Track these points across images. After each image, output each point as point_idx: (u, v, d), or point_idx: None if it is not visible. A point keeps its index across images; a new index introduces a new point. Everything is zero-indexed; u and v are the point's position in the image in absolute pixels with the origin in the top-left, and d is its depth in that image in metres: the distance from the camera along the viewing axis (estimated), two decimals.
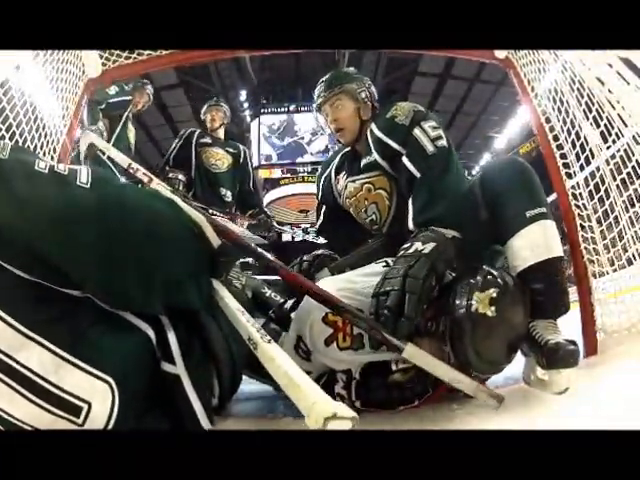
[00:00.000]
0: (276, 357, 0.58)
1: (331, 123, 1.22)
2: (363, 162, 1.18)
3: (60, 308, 0.58)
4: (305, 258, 1.20)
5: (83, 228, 0.58)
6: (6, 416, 0.51)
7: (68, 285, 0.58)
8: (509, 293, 0.81)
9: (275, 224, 2.68)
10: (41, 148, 1.22)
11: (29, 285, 0.56)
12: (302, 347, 0.91)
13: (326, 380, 0.92)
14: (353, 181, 1.22)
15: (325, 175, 1.34)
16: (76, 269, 0.57)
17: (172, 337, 0.65)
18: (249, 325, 0.66)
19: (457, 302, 0.79)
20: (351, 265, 1.13)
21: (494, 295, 0.78)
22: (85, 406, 0.54)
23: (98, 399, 0.55)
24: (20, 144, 1.14)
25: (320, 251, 1.25)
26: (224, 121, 2.58)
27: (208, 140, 2.51)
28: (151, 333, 0.63)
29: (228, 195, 2.47)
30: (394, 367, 0.84)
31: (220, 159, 2.49)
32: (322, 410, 0.48)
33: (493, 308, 0.78)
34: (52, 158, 1.28)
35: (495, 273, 0.83)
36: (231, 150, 2.55)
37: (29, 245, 0.56)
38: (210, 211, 2.17)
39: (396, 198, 1.15)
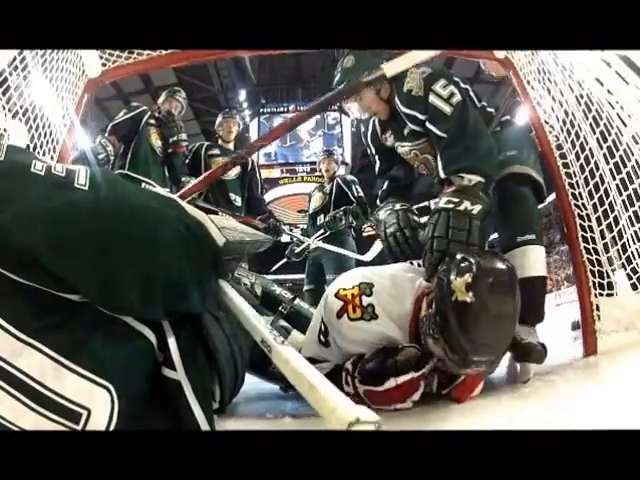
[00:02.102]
0: (291, 359, 0.57)
1: (364, 113, 1.36)
2: (406, 130, 1.31)
3: (59, 313, 0.56)
4: (401, 225, 1.22)
5: (80, 233, 0.57)
6: (5, 422, 0.51)
7: (66, 290, 0.57)
8: (486, 276, 0.80)
9: (284, 227, 2.77)
10: (41, 147, 1.22)
11: (27, 290, 0.55)
12: (322, 330, 0.99)
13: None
14: (402, 146, 1.37)
15: (371, 132, 1.49)
16: (74, 275, 0.56)
17: (172, 342, 0.64)
18: (261, 327, 0.65)
19: (437, 294, 0.84)
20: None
21: (469, 280, 0.78)
22: (84, 412, 0.53)
23: (98, 405, 0.54)
24: (19, 144, 1.14)
25: (398, 206, 1.30)
26: (238, 131, 2.77)
27: (217, 151, 2.65)
28: (152, 338, 0.62)
29: (238, 200, 2.62)
30: (400, 346, 0.89)
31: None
32: (344, 416, 0.46)
33: (471, 294, 0.78)
34: (52, 158, 1.28)
35: (471, 259, 0.82)
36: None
37: (25, 250, 0.54)
38: (219, 213, 2.28)
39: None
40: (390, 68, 1.12)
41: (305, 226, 3.35)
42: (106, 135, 2.24)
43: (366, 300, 0.92)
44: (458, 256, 0.86)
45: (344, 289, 0.96)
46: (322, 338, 0.99)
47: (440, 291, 0.83)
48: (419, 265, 1.09)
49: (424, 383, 0.88)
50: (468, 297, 0.78)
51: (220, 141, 2.74)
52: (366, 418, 0.46)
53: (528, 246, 1.15)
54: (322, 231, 2.86)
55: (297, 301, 1.14)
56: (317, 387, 0.52)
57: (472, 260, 0.82)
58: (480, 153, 1.08)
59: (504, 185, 1.22)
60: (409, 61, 1.14)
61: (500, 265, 0.84)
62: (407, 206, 1.32)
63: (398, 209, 1.29)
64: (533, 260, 1.14)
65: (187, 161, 2.61)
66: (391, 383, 0.85)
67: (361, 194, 2.93)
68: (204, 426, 0.63)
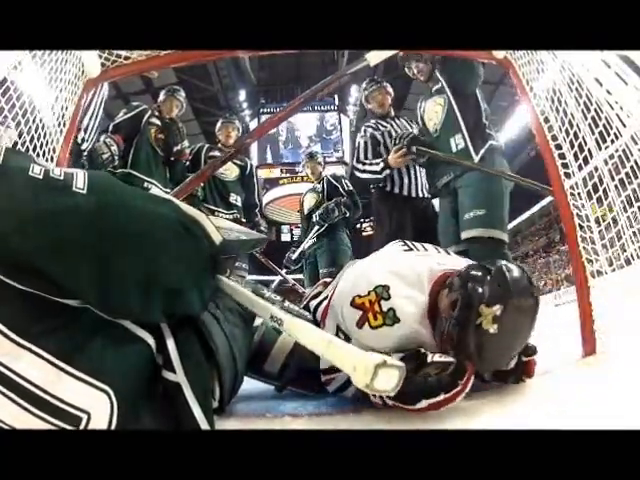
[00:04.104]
0: (306, 325, 0.58)
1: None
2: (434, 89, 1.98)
3: (58, 318, 0.57)
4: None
5: (79, 237, 0.57)
6: (5, 427, 0.51)
7: (65, 295, 0.57)
8: (514, 313, 0.80)
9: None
10: (40, 148, 1.22)
11: (26, 296, 0.55)
12: (340, 337, 0.93)
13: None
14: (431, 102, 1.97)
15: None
16: (73, 279, 0.56)
17: (171, 345, 0.65)
18: (269, 305, 0.67)
19: (462, 306, 0.81)
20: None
21: (497, 313, 0.78)
22: (84, 416, 0.53)
23: (97, 409, 0.54)
24: (19, 145, 1.14)
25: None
26: (237, 135, 2.81)
27: (216, 153, 2.69)
28: (151, 341, 0.63)
29: (239, 200, 2.68)
30: (429, 359, 0.81)
31: (228, 169, 2.68)
32: (371, 359, 0.46)
33: (496, 326, 0.78)
34: (52, 159, 1.28)
35: (504, 284, 0.80)
36: (238, 162, 2.76)
37: (24, 255, 0.54)
38: (215, 213, 2.35)
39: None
40: (374, 57, 1.23)
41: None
42: (109, 134, 2.23)
43: (385, 305, 0.87)
44: (493, 271, 0.83)
45: (359, 296, 0.90)
46: None
47: (466, 307, 0.81)
48: (423, 248, 1.06)
49: (465, 388, 0.82)
50: (492, 328, 0.78)
51: (220, 144, 2.77)
52: (392, 362, 0.46)
53: None
54: (317, 227, 2.90)
55: (287, 303, 1.14)
56: (335, 342, 0.52)
57: (504, 287, 0.80)
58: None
59: (472, 245, 1.61)
60: (391, 50, 1.27)
61: (530, 299, 0.82)
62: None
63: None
64: None
65: (187, 163, 2.62)
66: (422, 404, 0.80)
67: (351, 188, 2.98)
68: (204, 426, 0.63)
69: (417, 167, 2.17)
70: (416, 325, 0.88)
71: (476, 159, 1.74)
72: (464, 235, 1.65)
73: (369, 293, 0.89)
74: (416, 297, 0.90)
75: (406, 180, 2.17)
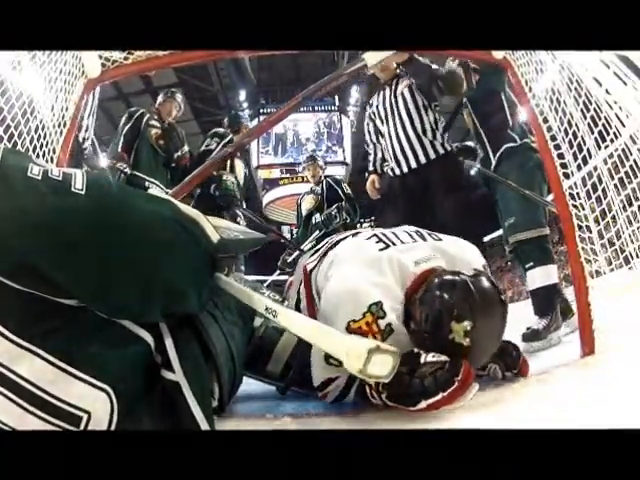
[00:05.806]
0: (299, 316, 0.58)
1: None
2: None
3: (57, 319, 0.57)
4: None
5: (77, 238, 0.57)
6: (5, 427, 0.51)
7: (64, 295, 0.57)
8: (483, 320, 0.83)
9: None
10: (40, 148, 1.22)
11: (25, 296, 0.55)
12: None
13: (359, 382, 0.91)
14: None
15: None
16: (72, 279, 0.56)
17: (170, 344, 0.65)
18: (264, 297, 0.68)
19: (434, 326, 0.85)
20: None
21: (468, 328, 0.81)
22: (85, 416, 0.53)
23: (97, 408, 0.54)
24: (19, 145, 1.14)
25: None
26: None
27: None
28: (150, 341, 0.63)
29: (243, 204, 2.72)
30: (422, 360, 0.81)
31: (239, 171, 2.73)
32: (364, 344, 0.45)
33: (468, 339, 0.81)
34: (51, 159, 1.28)
35: (470, 298, 0.83)
36: (243, 165, 2.81)
37: (22, 256, 0.54)
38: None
39: None
40: (371, 57, 1.23)
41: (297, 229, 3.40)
42: (117, 153, 2.31)
43: (383, 323, 0.86)
44: (458, 285, 0.85)
45: (354, 321, 0.85)
46: (333, 362, 0.88)
47: (437, 323, 0.84)
48: (389, 243, 1.01)
49: (464, 386, 0.80)
50: (465, 342, 0.82)
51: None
52: (386, 347, 0.46)
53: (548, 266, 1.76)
54: (317, 232, 2.95)
55: (286, 303, 1.14)
56: (327, 330, 0.52)
57: (471, 302, 0.83)
58: None
59: (514, 252, 1.86)
60: (390, 50, 1.28)
61: (497, 306, 0.87)
62: None
63: None
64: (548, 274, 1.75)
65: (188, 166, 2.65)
66: (422, 405, 0.78)
67: (349, 192, 3.05)
68: (204, 426, 0.63)
69: (402, 139, 2.10)
70: (403, 332, 0.88)
71: (493, 164, 1.91)
72: (510, 240, 1.86)
73: (364, 315, 0.86)
74: (398, 307, 0.91)
75: (391, 157, 2.16)
